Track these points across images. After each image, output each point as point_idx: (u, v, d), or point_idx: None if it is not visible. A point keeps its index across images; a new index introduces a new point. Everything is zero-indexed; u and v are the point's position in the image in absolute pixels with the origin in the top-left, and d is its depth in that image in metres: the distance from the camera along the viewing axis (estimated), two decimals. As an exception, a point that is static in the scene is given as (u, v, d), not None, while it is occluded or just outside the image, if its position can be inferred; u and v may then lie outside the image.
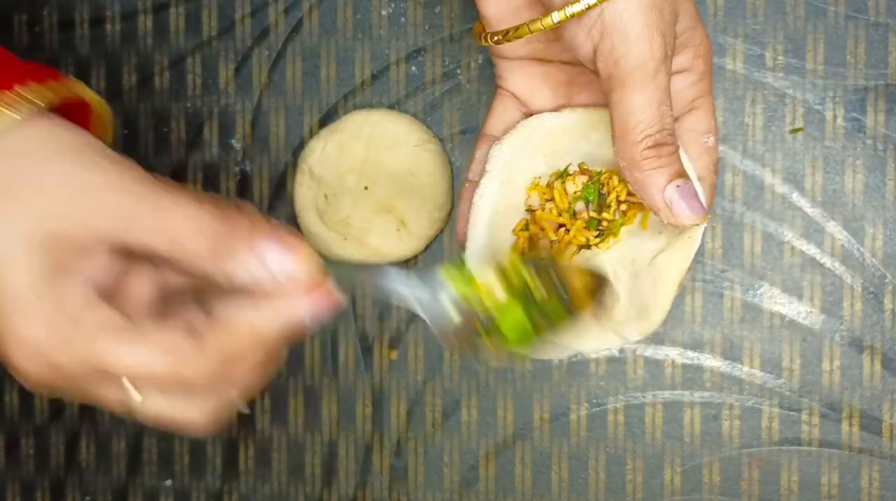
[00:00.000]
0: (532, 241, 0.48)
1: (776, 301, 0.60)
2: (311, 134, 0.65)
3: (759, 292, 0.60)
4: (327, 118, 0.64)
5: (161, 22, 0.66)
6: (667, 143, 0.42)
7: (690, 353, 0.61)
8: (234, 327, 0.39)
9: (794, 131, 0.60)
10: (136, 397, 0.39)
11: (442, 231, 0.63)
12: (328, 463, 0.65)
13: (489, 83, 0.62)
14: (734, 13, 0.60)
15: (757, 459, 0.60)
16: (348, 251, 0.62)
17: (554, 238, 0.48)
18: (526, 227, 0.49)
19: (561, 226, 0.48)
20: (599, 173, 0.48)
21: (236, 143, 0.66)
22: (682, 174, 0.43)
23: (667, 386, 0.61)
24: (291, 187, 0.65)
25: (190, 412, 0.40)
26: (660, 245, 0.47)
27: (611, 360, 0.62)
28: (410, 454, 0.64)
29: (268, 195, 0.65)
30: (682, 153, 0.44)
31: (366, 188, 0.62)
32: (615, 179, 0.47)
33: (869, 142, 0.59)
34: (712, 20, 0.60)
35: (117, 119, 0.67)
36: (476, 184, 0.49)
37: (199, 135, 0.66)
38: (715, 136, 0.47)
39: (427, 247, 0.63)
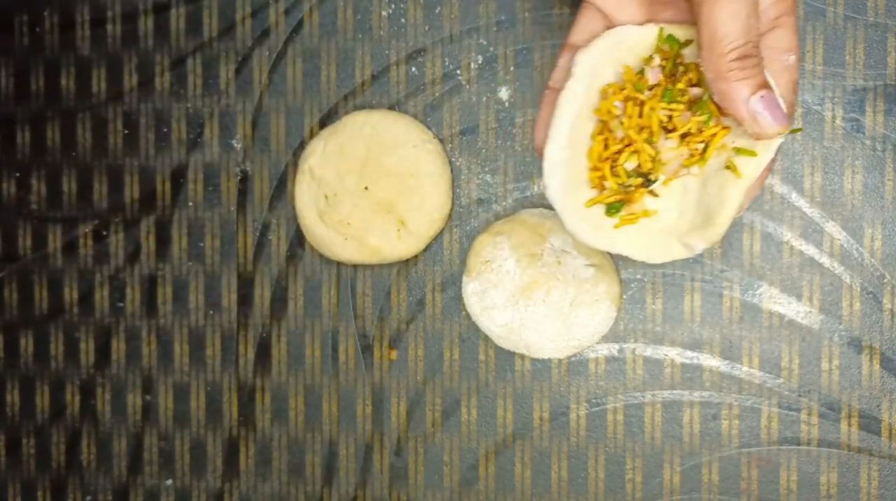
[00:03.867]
0: (607, 145, 0.49)
1: (775, 301, 0.60)
2: (312, 134, 0.65)
3: (758, 292, 0.60)
4: (327, 118, 0.64)
5: (162, 23, 0.66)
6: (752, 55, 0.44)
7: (689, 353, 0.61)
8: None
9: (793, 131, 0.60)
10: None
11: (442, 231, 0.63)
12: (328, 463, 0.65)
13: (489, 83, 0.63)
14: (733, 14, 0.60)
15: (756, 458, 0.60)
16: (348, 251, 0.63)
17: (619, 113, 0.48)
18: (601, 132, 0.49)
19: (629, 100, 0.48)
20: (678, 44, 0.48)
21: (237, 144, 0.66)
22: (766, 85, 0.44)
23: (666, 386, 0.61)
24: (292, 187, 0.65)
25: None
26: (729, 155, 0.48)
27: (610, 360, 0.62)
28: (410, 453, 0.64)
29: (268, 195, 0.65)
30: (767, 75, 0.46)
31: (366, 188, 0.62)
32: (692, 66, 0.48)
33: (868, 142, 0.60)
34: (711, 21, 0.60)
35: (118, 119, 0.67)
36: (557, 91, 0.50)
37: (200, 136, 0.66)
38: (796, 55, 0.48)
39: (427, 247, 0.64)
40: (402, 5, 0.63)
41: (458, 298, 0.63)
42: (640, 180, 0.48)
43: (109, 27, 0.67)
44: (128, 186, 0.67)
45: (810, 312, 0.60)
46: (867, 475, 0.60)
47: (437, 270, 0.64)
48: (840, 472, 0.60)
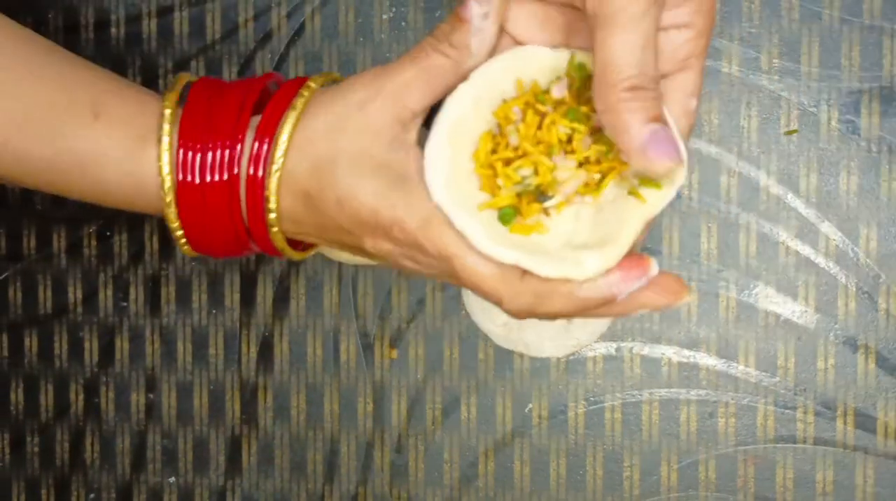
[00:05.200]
0: (496, 150, 0.44)
1: (771, 300, 0.61)
2: (313, 135, 0.65)
3: (754, 292, 0.61)
4: (329, 120, 0.65)
5: (165, 25, 0.67)
6: (647, 88, 0.40)
7: (686, 352, 0.61)
8: (556, 288, 0.43)
9: (789, 133, 0.60)
10: None
11: (442, 231, 0.64)
12: (330, 460, 0.65)
13: (488, 85, 0.63)
14: (730, 17, 0.60)
15: (752, 456, 0.61)
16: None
17: (516, 118, 0.44)
18: (494, 137, 0.45)
19: (529, 107, 0.44)
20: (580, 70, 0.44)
21: (239, 145, 0.66)
22: (661, 118, 0.40)
23: (663, 384, 0.62)
24: (293, 188, 0.65)
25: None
26: (630, 184, 0.44)
27: (608, 358, 0.62)
28: (411, 451, 0.64)
29: (270, 196, 0.66)
30: (665, 112, 0.41)
31: (367, 189, 0.62)
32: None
33: (863, 143, 0.60)
34: (708, 24, 0.60)
35: (122, 121, 0.67)
36: None
37: (203, 137, 0.66)
38: (697, 101, 0.44)
39: (427, 248, 0.64)
40: (402, 9, 0.64)
41: (458, 298, 0.64)
42: (534, 186, 0.44)
43: (113, 30, 0.67)
44: (131, 187, 0.67)
45: (806, 312, 0.60)
46: (863, 473, 0.60)
47: (437, 270, 0.64)
48: (836, 470, 0.60)
